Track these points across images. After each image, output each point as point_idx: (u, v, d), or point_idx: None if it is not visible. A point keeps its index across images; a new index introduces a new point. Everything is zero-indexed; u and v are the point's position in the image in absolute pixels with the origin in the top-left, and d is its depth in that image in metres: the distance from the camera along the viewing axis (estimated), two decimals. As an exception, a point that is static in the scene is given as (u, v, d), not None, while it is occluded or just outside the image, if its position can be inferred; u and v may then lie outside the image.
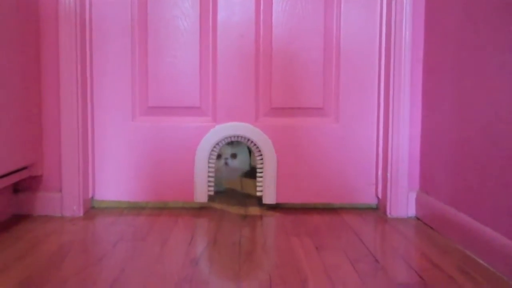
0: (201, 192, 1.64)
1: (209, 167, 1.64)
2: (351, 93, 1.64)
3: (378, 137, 1.64)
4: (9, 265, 1.11)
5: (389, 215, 1.57)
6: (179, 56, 1.62)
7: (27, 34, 1.44)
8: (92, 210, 1.62)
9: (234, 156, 1.74)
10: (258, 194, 1.66)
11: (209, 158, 1.64)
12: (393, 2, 1.53)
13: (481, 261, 1.16)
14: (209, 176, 1.64)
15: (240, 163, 1.76)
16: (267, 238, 1.34)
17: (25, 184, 1.56)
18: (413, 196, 1.58)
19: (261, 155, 1.65)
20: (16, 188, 1.56)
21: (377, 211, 1.65)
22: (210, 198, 1.70)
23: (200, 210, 1.64)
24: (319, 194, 1.66)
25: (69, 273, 1.07)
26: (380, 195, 1.63)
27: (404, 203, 1.57)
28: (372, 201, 1.67)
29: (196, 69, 1.63)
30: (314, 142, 1.64)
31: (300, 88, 1.64)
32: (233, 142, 1.70)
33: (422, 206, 1.53)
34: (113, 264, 1.12)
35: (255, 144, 1.64)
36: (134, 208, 1.65)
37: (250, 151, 1.84)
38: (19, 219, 1.50)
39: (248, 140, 1.64)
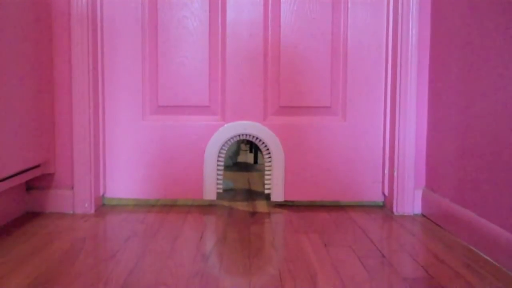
0: (210, 190, 1.66)
1: (218, 165, 1.66)
2: (358, 92, 1.66)
3: (384, 135, 1.65)
4: (23, 260, 1.14)
5: (395, 212, 1.59)
6: (188, 55, 1.65)
7: (40, 35, 1.47)
8: (103, 207, 1.64)
9: None
10: (266, 191, 1.69)
11: (218, 156, 1.66)
12: (400, 4, 1.55)
13: (486, 257, 1.18)
14: (218, 174, 1.66)
15: None
16: (275, 235, 1.37)
17: (38, 181, 1.59)
18: (419, 193, 1.60)
19: (269, 153, 1.67)
20: (29, 186, 1.58)
21: (384, 208, 1.67)
22: (219, 195, 1.72)
23: (209, 207, 1.67)
24: (327, 191, 1.68)
25: (82, 268, 1.09)
26: (386, 193, 1.65)
27: (411, 201, 1.59)
28: (378, 198, 1.69)
29: (205, 69, 1.65)
30: (322, 140, 1.66)
31: (308, 87, 1.66)
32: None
33: (428, 203, 1.55)
34: (125, 260, 1.15)
35: (263, 143, 1.66)
36: (144, 206, 1.67)
37: (252, 149, 1.86)
38: (31, 216, 1.53)
39: (257, 138, 1.66)
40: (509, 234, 1.10)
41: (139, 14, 1.63)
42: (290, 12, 1.64)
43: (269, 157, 1.67)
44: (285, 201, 1.70)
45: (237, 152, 2.75)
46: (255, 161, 2.84)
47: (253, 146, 2.99)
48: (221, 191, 1.68)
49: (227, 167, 2.61)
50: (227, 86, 1.66)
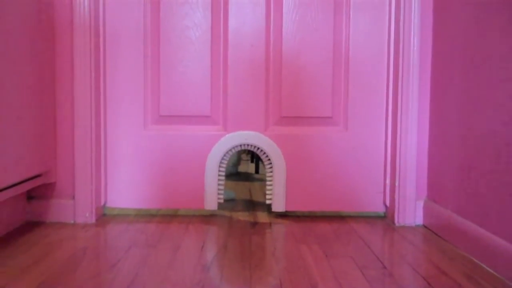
0: (211, 200, 1.66)
1: (219, 175, 1.66)
2: (359, 102, 1.66)
3: (386, 146, 1.65)
4: (24, 270, 1.13)
5: (397, 223, 1.59)
6: (190, 65, 1.65)
7: (42, 46, 1.47)
8: (104, 217, 1.64)
9: None
10: (268, 202, 1.68)
11: (220, 166, 1.66)
12: (401, 14, 1.56)
13: (487, 268, 1.18)
14: (219, 184, 1.66)
15: None
16: (276, 245, 1.36)
17: (39, 191, 1.59)
18: (420, 204, 1.60)
19: (270, 163, 1.67)
20: (30, 195, 1.58)
21: (385, 219, 1.66)
22: (220, 205, 1.72)
23: (210, 217, 1.67)
24: (328, 202, 1.68)
25: (83, 278, 1.09)
26: (388, 203, 1.65)
27: (412, 211, 1.59)
28: (380, 209, 1.69)
29: (207, 79, 1.66)
30: (323, 150, 1.67)
31: (309, 97, 1.66)
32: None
33: (430, 214, 1.55)
34: (126, 270, 1.14)
35: (264, 153, 1.66)
36: (145, 215, 1.67)
37: (253, 159, 1.86)
38: (32, 225, 1.53)
39: (258, 148, 1.67)
40: (510, 245, 1.10)
41: (141, 24, 1.64)
42: (292, 22, 1.64)
43: (271, 167, 1.67)
44: (286, 211, 1.69)
45: (237, 162, 2.75)
46: (257, 171, 2.83)
47: (254, 156, 2.99)
48: (222, 201, 1.68)
49: (228, 177, 2.60)
50: (228, 96, 1.66)
